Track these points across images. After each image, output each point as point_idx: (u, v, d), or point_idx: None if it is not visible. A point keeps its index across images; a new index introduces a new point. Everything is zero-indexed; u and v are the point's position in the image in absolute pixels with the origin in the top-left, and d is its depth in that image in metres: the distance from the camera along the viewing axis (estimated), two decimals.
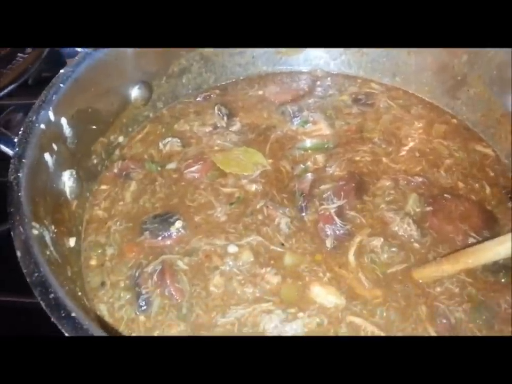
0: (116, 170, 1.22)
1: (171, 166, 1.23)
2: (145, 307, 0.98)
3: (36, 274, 0.74)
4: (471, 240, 1.05)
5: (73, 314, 0.68)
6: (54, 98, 1.01)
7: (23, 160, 0.90)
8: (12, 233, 0.80)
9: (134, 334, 0.95)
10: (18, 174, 0.88)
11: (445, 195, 1.13)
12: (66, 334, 0.66)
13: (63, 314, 0.68)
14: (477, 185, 1.17)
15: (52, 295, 0.71)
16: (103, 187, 1.20)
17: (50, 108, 1.00)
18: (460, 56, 1.26)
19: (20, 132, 0.94)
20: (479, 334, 0.94)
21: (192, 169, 1.21)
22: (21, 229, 0.80)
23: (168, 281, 0.99)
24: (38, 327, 0.76)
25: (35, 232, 0.82)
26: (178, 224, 1.09)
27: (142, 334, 0.95)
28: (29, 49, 1.36)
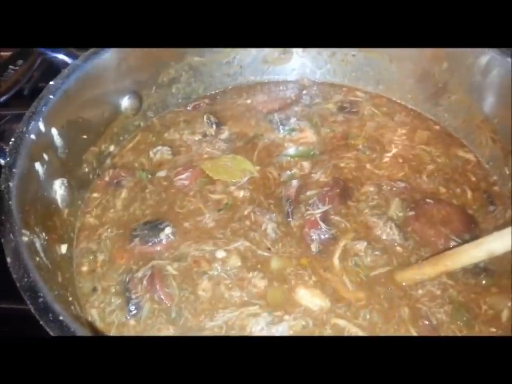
0: (107, 179, 1.25)
1: (161, 173, 1.25)
2: (135, 311, 1.00)
3: (26, 279, 0.77)
4: (452, 244, 1.08)
5: (61, 318, 0.71)
6: (43, 109, 1.03)
7: (14, 170, 0.92)
8: (2, 240, 0.83)
9: None
10: (9, 183, 0.90)
11: (427, 200, 1.16)
12: None
13: (51, 318, 0.71)
14: (458, 189, 1.20)
15: (40, 299, 0.73)
16: (95, 195, 1.22)
17: (40, 119, 1.02)
18: (440, 64, 1.29)
19: (11, 142, 0.96)
20: (460, 335, 0.96)
21: (182, 176, 1.23)
22: (11, 236, 0.83)
23: (157, 286, 1.02)
24: (30, 333, 0.78)
25: (25, 239, 0.85)
26: (168, 230, 1.11)
27: None
28: (20, 61, 1.38)
